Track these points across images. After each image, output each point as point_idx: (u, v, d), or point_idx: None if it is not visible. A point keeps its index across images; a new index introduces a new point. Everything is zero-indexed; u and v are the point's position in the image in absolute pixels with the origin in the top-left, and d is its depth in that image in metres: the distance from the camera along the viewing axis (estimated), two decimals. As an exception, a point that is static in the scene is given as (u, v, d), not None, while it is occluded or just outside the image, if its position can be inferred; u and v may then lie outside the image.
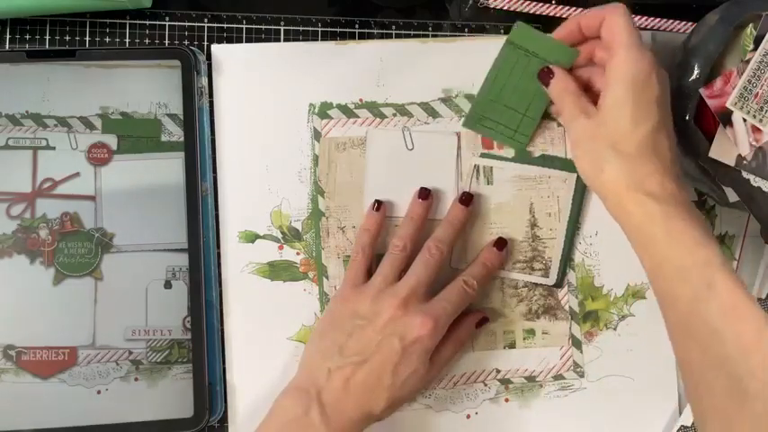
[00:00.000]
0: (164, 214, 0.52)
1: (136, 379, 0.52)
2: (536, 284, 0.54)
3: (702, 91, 0.47)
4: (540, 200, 0.54)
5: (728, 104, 0.47)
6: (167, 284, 0.52)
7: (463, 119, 0.53)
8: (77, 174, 0.52)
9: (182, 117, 0.52)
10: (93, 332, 0.52)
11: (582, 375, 0.54)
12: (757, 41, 0.47)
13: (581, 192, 0.54)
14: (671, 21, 0.56)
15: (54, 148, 0.52)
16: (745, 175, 0.47)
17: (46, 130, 0.52)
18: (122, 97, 0.53)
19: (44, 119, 0.52)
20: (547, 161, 0.54)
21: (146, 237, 0.52)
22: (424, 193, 0.53)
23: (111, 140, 0.53)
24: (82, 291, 0.52)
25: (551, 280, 0.54)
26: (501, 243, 0.53)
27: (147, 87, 0.53)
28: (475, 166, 0.54)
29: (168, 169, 0.53)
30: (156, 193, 0.52)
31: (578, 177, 0.53)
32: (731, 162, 0.47)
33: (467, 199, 0.53)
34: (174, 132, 0.53)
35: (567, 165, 0.54)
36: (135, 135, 0.53)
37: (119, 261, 0.52)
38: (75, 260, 0.52)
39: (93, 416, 0.51)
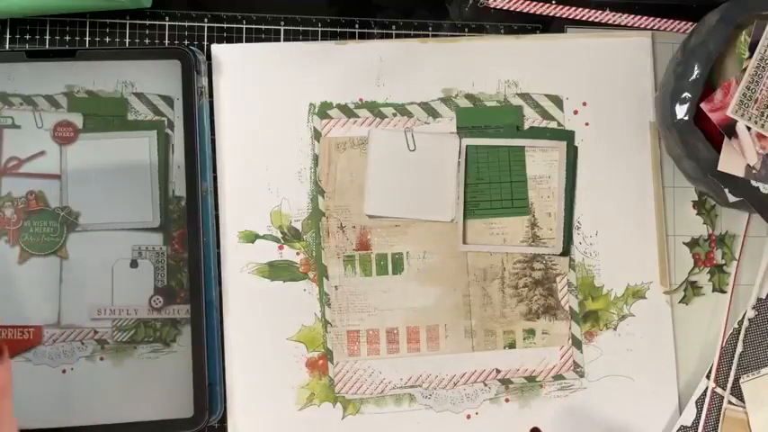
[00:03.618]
0: (130, 193, 0.52)
1: (101, 358, 0.51)
2: (536, 284, 0.54)
3: (704, 105, 0.47)
4: (540, 200, 0.54)
5: (729, 113, 0.47)
6: (133, 263, 0.52)
7: None
8: (43, 152, 0.52)
9: (149, 96, 0.52)
10: (58, 311, 0.51)
11: (582, 375, 0.54)
12: (752, 48, 0.47)
13: (573, 161, 0.54)
14: (671, 21, 0.56)
15: (19, 127, 0.52)
16: (754, 183, 0.48)
17: (11, 108, 0.52)
18: (90, 78, 0.52)
19: (9, 97, 0.52)
20: (536, 132, 0.54)
21: (112, 216, 0.52)
22: None
23: (77, 119, 0.52)
24: (47, 270, 0.51)
25: (557, 249, 0.54)
26: None
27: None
28: (466, 146, 0.54)
29: (134, 148, 0.52)
30: (122, 171, 0.52)
31: (568, 145, 0.54)
32: (741, 173, 0.48)
33: None
34: (141, 111, 0.53)
35: (556, 134, 0.54)
36: (101, 114, 0.53)
37: (84, 240, 0.52)
38: (41, 239, 0.52)
39: (79, 407, 0.50)
